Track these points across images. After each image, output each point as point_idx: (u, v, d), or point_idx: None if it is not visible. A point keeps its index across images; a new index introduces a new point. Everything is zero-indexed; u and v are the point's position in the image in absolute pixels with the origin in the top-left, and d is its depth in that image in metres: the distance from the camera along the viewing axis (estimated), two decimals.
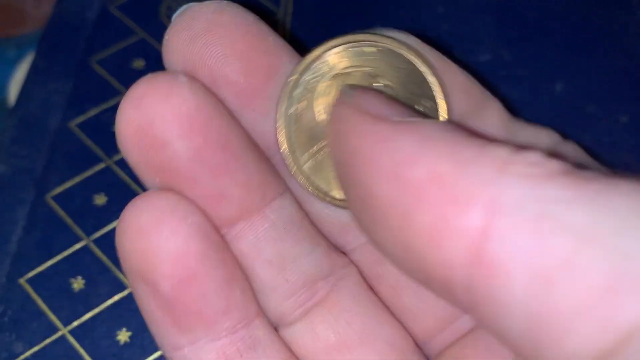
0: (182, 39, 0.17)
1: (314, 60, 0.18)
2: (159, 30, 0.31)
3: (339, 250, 0.19)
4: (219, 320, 0.17)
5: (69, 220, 0.26)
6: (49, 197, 0.27)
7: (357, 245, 0.19)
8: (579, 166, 0.13)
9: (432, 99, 0.18)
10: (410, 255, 0.14)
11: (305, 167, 0.18)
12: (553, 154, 0.14)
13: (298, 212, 0.19)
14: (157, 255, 0.16)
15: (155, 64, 0.30)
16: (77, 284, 0.25)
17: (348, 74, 0.18)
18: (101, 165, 0.27)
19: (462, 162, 0.13)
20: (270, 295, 0.18)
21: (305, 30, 0.31)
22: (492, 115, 0.19)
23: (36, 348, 0.23)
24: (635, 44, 0.31)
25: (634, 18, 0.31)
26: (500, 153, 0.13)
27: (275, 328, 0.19)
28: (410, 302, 0.19)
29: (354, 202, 0.15)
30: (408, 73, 0.18)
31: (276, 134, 0.18)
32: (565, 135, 0.19)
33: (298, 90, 0.18)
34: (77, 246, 0.25)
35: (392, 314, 0.19)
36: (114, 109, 0.29)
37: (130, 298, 0.24)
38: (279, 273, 0.18)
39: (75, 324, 0.24)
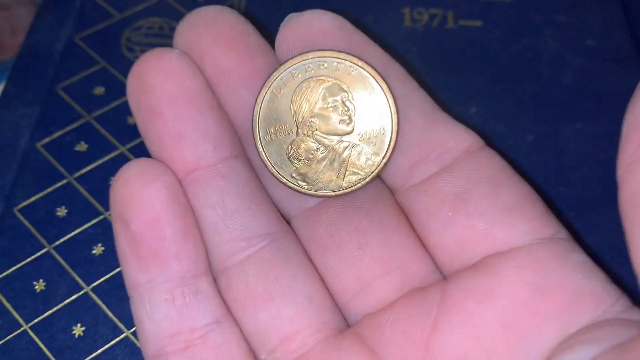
0: (187, 28, 0.23)
1: (300, 61, 0.22)
2: (118, 59, 0.35)
3: (284, 216, 0.23)
4: (172, 263, 0.21)
5: (33, 230, 0.29)
6: (16, 210, 0.30)
7: (300, 212, 0.23)
8: None
9: (384, 124, 0.22)
10: None
11: (261, 137, 0.22)
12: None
13: (249, 173, 0.23)
14: (133, 199, 0.21)
15: (114, 90, 0.34)
16: (39, 285, 0.28)
17: (323, 79, 0.22)
18: (63, 182, 0.31)
19: None
20: (211, 236, 0.22)
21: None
22: (416, 98, 0.23)
23: (0, 342, 0.27)
24: (545, 70, 0.34)
25: (546, 47, 0.35)
26: None
27: (215, 279, 0.22)
28: (334, 261, 0.22)
29: None
30: (373, 99, 0.22)
31: (254, 107, 0.22)
32: None
33: (279, 81, 0.22)
34: (40, 252, 0.29)
35: (319, 273, 0.23)
36: (77, 131, 0.32)
37: (85, 297, 0.28)
38: (220, 217, 0.22)
39: (35, 320, 0.27)
